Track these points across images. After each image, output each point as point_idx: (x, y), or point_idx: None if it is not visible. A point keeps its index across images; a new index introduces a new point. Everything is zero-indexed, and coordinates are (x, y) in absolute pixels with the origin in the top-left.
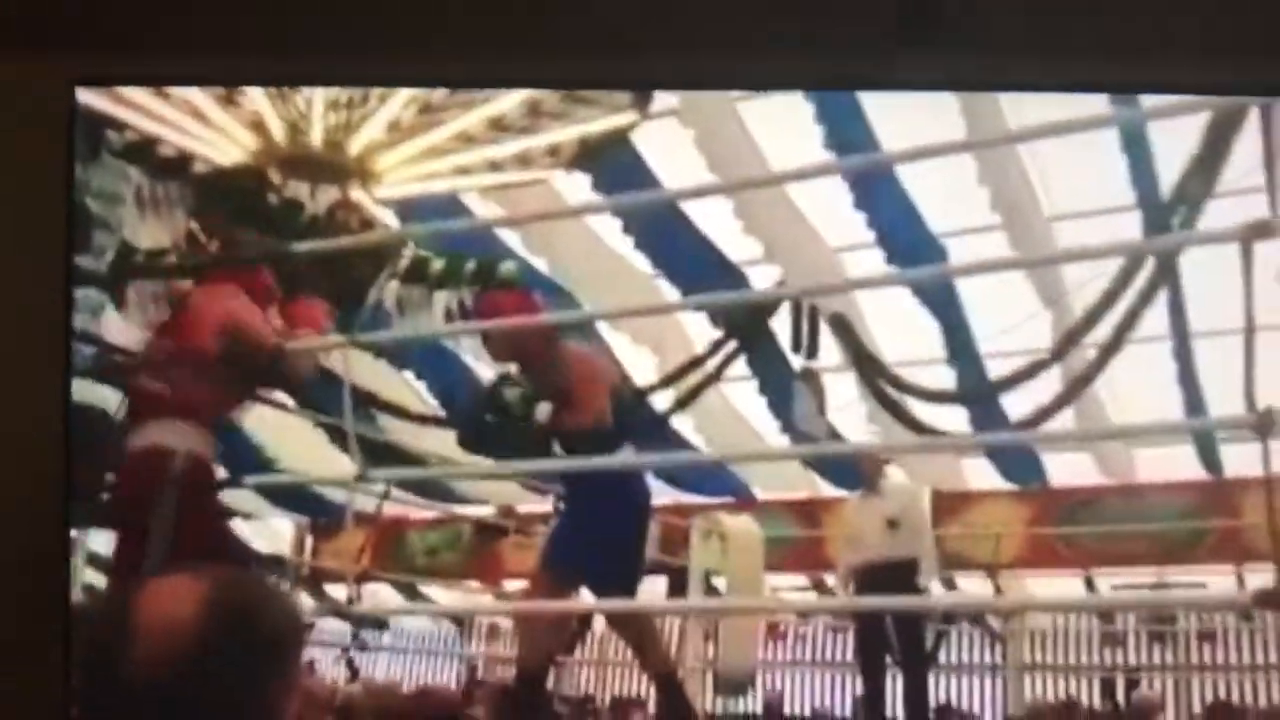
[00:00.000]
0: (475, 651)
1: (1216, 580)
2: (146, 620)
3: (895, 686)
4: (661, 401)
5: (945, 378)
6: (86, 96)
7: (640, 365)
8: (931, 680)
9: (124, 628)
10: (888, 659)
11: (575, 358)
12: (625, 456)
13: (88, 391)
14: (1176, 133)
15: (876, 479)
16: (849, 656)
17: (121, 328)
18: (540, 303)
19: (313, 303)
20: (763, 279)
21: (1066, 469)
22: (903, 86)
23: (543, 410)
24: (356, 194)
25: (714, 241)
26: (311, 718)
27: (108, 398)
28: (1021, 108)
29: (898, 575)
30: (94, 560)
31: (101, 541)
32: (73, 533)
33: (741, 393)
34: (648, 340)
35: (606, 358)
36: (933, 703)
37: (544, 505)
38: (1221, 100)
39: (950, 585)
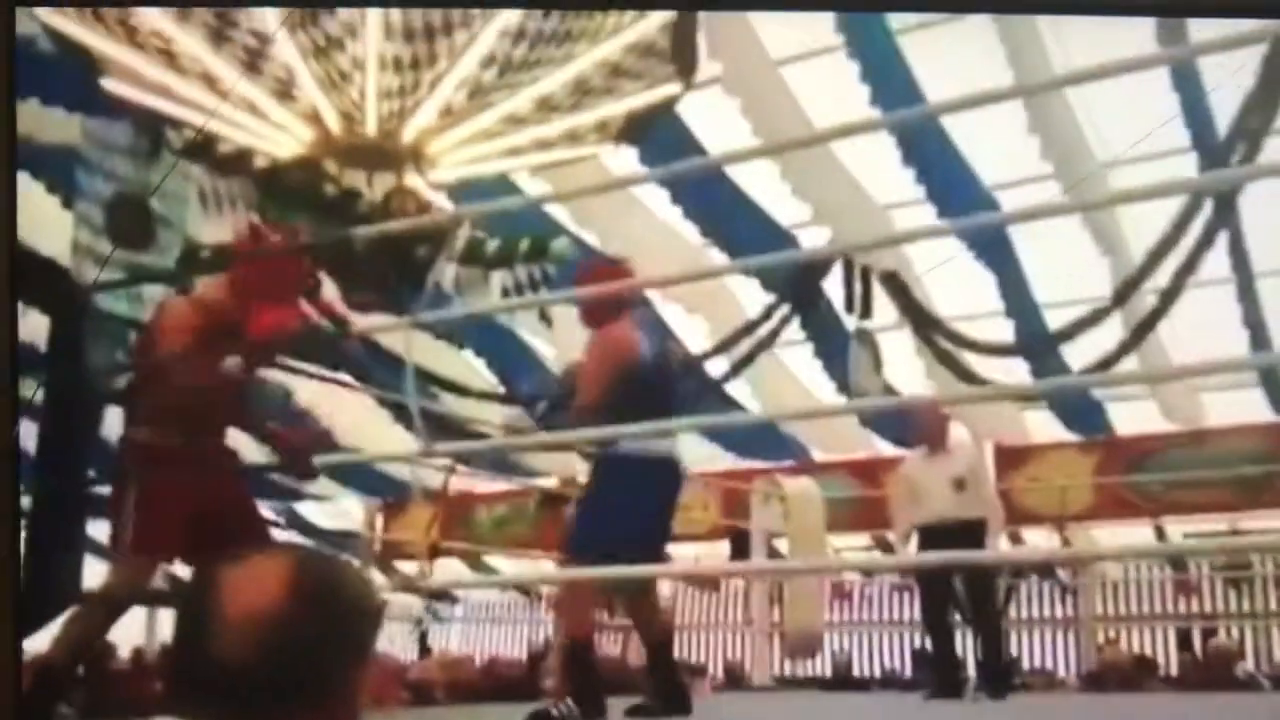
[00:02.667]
0: (544, 620)
1: None
2: (234, 602)
3: (964, 644)
4: (717, 368)
5: (1004, 330)
6: (134, 92)
7: (695, 334)
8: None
9: (212, 610)
10: (955, 617)
11: (602, 330)
12: (684, 421)
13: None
14: (1230, 70)
15: (943, 438)
16: (916, 615)
17: None
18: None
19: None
20: (813, 241)
21: (1132, 418)
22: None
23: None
24: (412, 180)
25: (763, 206)
26: (386, 692)
27: None
28: (1069, 53)
29: (965, 535)
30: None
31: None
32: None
33: (796, 356)
34: (701, 308)
35: (631, 335)
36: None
37: None
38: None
39: (1016, 539)
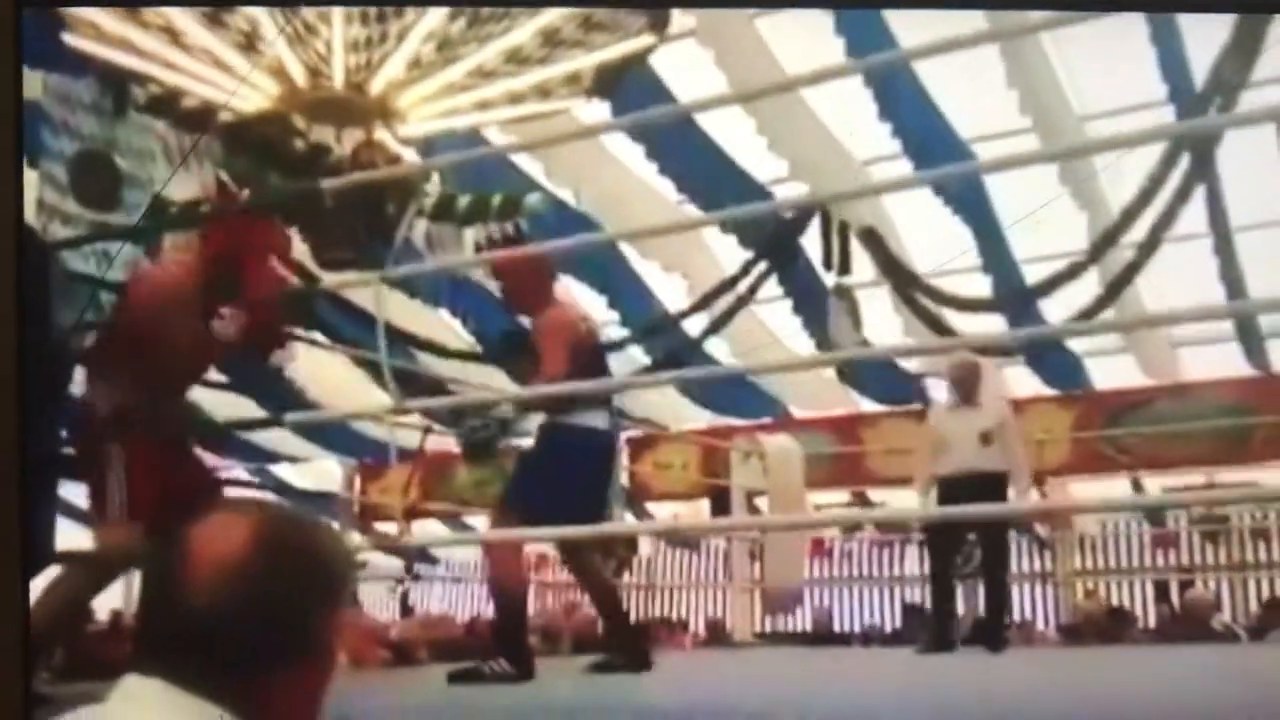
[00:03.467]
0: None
1: (1267, 476)
2: (199, 557)
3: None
4: (695, 326)
5: (981, 286)
6: (96, 46)
7: (672, 291)
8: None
9: (177, 565)
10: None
11: (544, 314)
12: (672, 374)
13: None
14: (1208, 21)
15: (974, 391)
16: (897, 570)
17: None
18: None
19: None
20: (790, 196)
21: (1110, 373)
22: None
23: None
24: (380, 134)
25: (739, 163)
26: (368, 651)
27: None
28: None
29: (987, 488)
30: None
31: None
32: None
33: (775, 313)
34: (678, 266)
35: (574, 317)
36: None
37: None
38: None
39: None
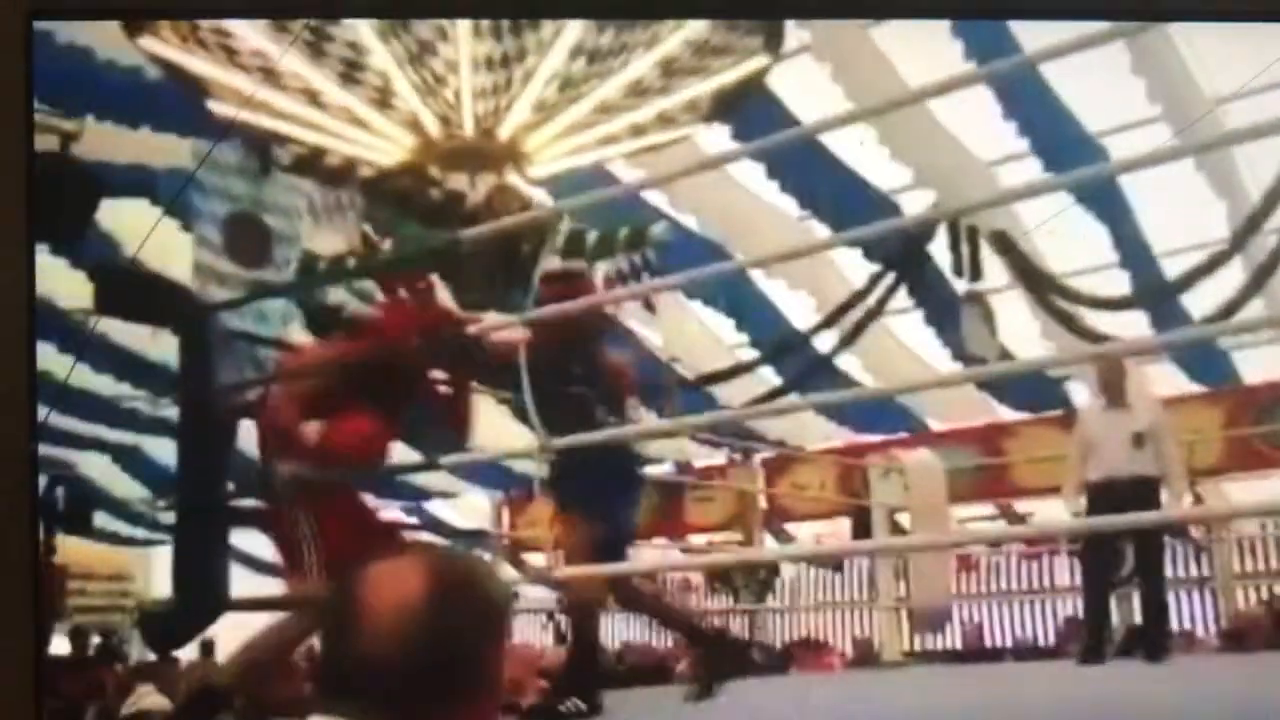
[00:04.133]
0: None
1: None
2: (375, 601)
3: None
4: (825, 343)
5: (1120, 283)
6: (240, 111)
7: (800, 309)
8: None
9: (355, 610)
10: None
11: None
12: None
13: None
14: None
15: (1122, 391)
16: (1047, 583)
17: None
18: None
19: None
20: (916, 205)
21: (1261, 365)
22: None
23: None
24: (512, 178)
25: (861, 174)
26: (523, 680)
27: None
28: None
29: (1138, 494)
30: (243, 559)
31: (248, 541)
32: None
33: (907, 324)
34: (805, 283)
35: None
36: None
37: (717, 458)
38: None
39: None
